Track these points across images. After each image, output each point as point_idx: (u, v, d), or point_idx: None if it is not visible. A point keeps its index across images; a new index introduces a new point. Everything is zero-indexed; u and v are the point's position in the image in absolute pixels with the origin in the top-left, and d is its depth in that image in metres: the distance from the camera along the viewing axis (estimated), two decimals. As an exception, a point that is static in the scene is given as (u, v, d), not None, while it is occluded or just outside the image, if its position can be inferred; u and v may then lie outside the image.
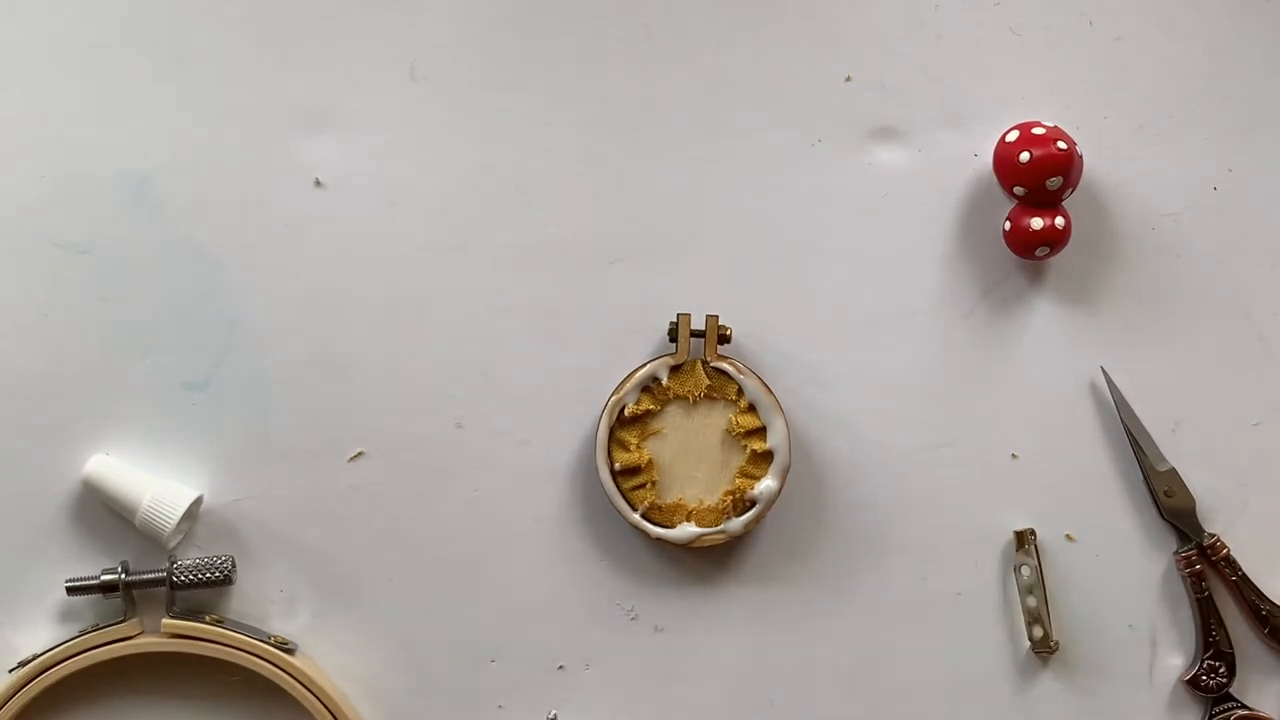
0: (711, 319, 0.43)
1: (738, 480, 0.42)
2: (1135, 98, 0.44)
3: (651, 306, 0.44)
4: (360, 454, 0.43)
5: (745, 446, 0.42)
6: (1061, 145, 0.42)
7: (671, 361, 0.43)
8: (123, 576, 0.42)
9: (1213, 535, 0.43)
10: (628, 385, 0.43)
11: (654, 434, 0.43)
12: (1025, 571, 0.43)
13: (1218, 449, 0.44)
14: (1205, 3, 0.44)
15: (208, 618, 0.42)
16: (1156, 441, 0.44)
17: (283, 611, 0.43)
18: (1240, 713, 0.43)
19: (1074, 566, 0.44)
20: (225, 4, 0.44)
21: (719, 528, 0.42)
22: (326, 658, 0.43)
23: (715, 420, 0.43)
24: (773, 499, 0.42)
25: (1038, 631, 0.43)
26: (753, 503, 0.42)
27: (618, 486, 0.43)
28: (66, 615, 0.43)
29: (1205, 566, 0.43)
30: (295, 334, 0.43)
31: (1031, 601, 0.43)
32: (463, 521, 0.43)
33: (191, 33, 0.44)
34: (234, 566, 0.42)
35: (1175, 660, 0.44)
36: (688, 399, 0.43)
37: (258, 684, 0.41)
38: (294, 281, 0.43)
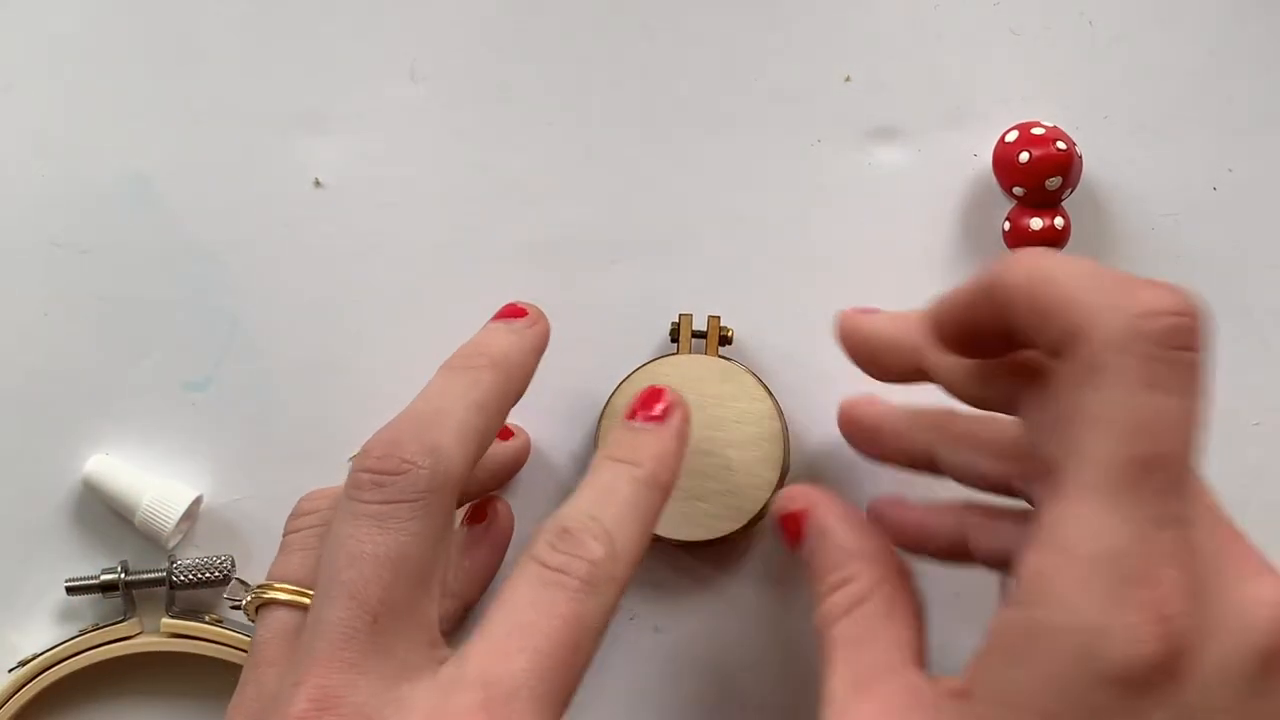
0: (713, 319, 0.43)
1: (737, 480, 0.43)
2: (1135, 98, 0.44)
3: (652, 307, 0.44)
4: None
5: (745, 447, 0.43)
6: (1061, 145, 0.42)
7: (672, 362, 0.43)
8: (122, 576, 0.42)
9: (1213, 536, 0.43)
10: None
11: (654, 434, 0.43)
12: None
13: (1218, 449, 0.44)
14: (1205, 3, 0.44)
15: (208, 617, 0.42)
16: (1157, 442, 0.44)
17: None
18: (1241, 713, 0.43)
19: (1074, 567, 0.43)
20: (225, 4, 0.44)
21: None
22: (326, 657, 0.43)
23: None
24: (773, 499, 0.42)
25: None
26: (752, 503, 0.42)
27: (617, 486, 0.43)
28: (66, 615, 0.43)
29: (1206, 567, 0.43)
30: (295, 334, 0.43)
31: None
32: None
33: (191, 33, 0.44)
34: (234, 566, 0.42)
35: (1176, 661, 0.43)
36: (688, 399, 0.43)
37: (257, 684, 0.41)
38: (294, 281, 0.44)
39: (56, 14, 0.43)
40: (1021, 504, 0.37)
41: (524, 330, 0.39)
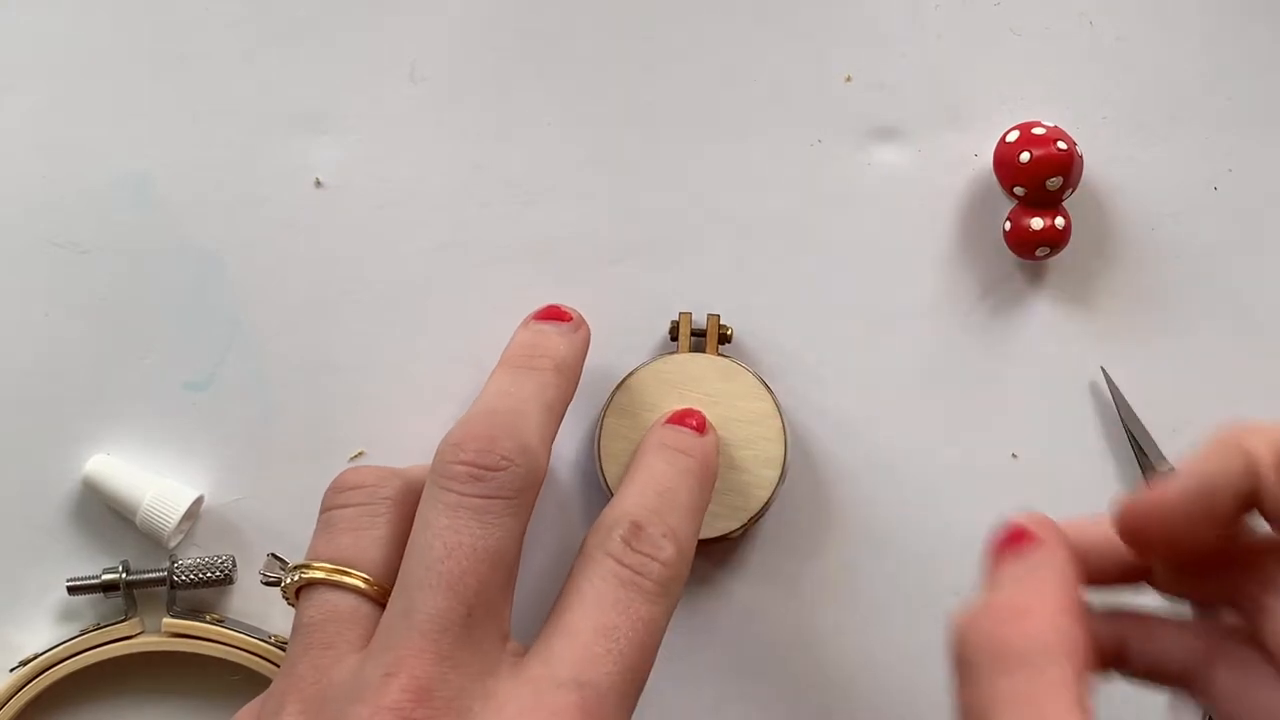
0: (713, 318, 0.43)
1: (738, 480, 0.43)
2: (1135, 98, 0.44)
3: (652, 306, 0.44)
4: (360, 454, 0.43)
5: (745, 446, 0.43)
6: (1061, 145, 0.42)
7: (671, 361, 0.43)
8: (123, 576, 0.42)
9: (1213, 535, 0.43)
10: (628, 385, 0.43)
11: (654, 434, 0.43)
12: (1025, 571, 0.43)
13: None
14: (1205, 3, 0.44)
15: (208, 617, 0.42)
16: (1157, 442, 0.44)
17: (284, 611, 0.43)
18: (1240, 713, 0.43)
19: (1074, 566, 0.44)
20: (225, 4, 0.44)
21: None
22: (327, 657, 0.43)
23: (715, 420, 0.43)
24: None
25: (1037, 631, 0.43)
26: (752, 502, 0.42)
27: (618, 486, 0.43)
28: (67, 614, 0.43)
29: (1206, 567, 0.43)
30: (295, 334, 0.43)
31: (1031, 601, 0.43)
32: (463, 521, 0.43)
33: (191, 33, 0.44)
34: (234, 566, 0.42)
35: (1175, 660, 0.44)
36: (688, 399, 0.43)
37: (259, 683, 0.41)
38: (294, 281, 0.44)
39: (56, 14, 0.43)
40: (1183, 611, 0.32)
41: (572, 334, 0.39)
